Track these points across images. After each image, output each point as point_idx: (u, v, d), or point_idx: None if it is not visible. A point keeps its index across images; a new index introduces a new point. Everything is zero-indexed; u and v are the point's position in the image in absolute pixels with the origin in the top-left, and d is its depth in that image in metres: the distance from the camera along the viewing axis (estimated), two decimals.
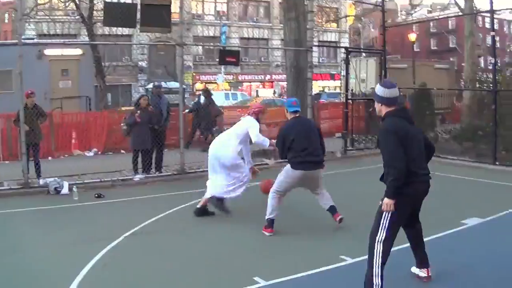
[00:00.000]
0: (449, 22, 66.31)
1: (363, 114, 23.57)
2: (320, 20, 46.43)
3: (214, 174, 10.58)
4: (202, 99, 21.57)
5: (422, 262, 6.83)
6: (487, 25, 51.16)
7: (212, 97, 21.67)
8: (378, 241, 6.17)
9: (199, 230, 9.86)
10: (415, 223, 6.72)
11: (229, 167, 10.41)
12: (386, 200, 6.14)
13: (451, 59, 52.30)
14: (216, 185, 10.49)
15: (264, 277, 7.05)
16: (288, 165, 9.40)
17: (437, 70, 38.08)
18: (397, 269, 6.91)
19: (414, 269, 6.90)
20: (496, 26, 20.02)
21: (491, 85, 18.30)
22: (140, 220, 10.28)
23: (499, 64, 20.38)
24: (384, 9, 21.47)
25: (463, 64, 41.89)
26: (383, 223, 6.21)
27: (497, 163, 16.23)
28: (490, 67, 27.30)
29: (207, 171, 10.38)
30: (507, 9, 18.23)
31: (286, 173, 9.45)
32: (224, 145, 10.48)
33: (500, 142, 16.92)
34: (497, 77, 17.37)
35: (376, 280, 6.07)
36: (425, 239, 6.90)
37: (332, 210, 9.55)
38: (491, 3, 16.27)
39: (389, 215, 6.14)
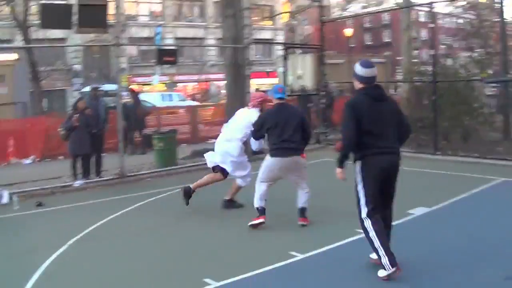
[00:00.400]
0: (383, 17, 67.22)
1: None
2: (255, 18, 46.39)
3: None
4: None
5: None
6: (422, 19, 51.98)
7: (140, 96, 21.58)
8: (364, 218, 6.66)
9: (146, 233, 9.65)
10: (386, 205, 6.88)
11: (236, 164, 10.58)
12: (336, 169, 6.87)
13: (386, 53, 53.08)
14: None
15: (215, 278, 6.91)
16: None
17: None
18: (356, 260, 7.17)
19: (372, 255, 6.91)
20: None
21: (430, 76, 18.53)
22: (83, 226, 9.97)
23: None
24: (321, 3, 21.47)
25: (398, 58, 42.52)
26: (360, 200, 6.74)
27: (438, 153, 16.48)
28: (428, 60, 27.64)
29: (147, 173, 10.22)
30: (444, 0, 18.40)
31: (266, 161, 9.52)
32: (230, 140, 10.56)
33: (440, 132, 17.17)
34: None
35: (384, 260, 6.40)
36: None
37: (301, 212, 9.45)
38: None
39: (362, 189, 6.70)
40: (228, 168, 10.56)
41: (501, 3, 15.87)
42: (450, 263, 7.13)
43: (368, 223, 6.62)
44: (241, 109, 10.99)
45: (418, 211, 9.93)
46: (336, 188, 10.91)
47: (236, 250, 8.39)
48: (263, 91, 22.34)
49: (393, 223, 7.11)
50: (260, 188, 9.51)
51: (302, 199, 9.48)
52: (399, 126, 6.86)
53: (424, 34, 53.68)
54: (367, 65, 6.88)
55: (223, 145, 10.63)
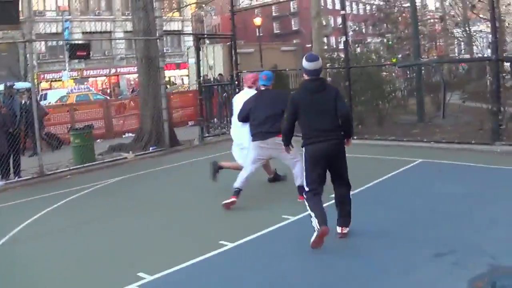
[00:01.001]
0: (291, 5, 67.65)
1: (216, 100, 23.78)
2: (163, 9, 46.04)
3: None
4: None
5: (339, 220, 7.75)
6: (329, 7, 52.71)
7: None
8: (305, 184, 7.60)
9: (75, 230, 9.55)
10: (338, 183, 7.75)
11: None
12: (283, 147, 8.17)
13: (294, 41, 53.46)
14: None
15: (149, 272, 6.94)
16: None
17: (284, 52, 38.89)
18: (286, 244, 7.43)
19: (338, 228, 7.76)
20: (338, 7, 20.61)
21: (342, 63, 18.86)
22: (7, 228, 9.78)
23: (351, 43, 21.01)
24: None
25: (308, 45, 42.88)
26: (303, 166, 7.79)
27: (354, 137, 16.70)
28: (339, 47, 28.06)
29: (66, 171, 10.06)
30: None
31: (250, 146, 9.96)
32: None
33: (356, 117, 17.50)
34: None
35: (314, 223, 7.15)
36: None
37: (299, 190, 9.54)
38: None
39: (305, 172, 7.62)
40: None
41: None
42: (380, 243, 7.40)
43: (306, 198, 7.51)
44: (238, 94, 11.21)
45: None
46: (261, 176, 11.12)
47: (167, 242, 8.40)
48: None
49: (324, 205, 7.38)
50: (247, 170, 9.85)
51: (295, 177, 9.91)
52: (340, 117, 7.45)
53: (333, 21, 54.61)
54: (311, 59, 7.59)
55: (236, 135, 10.86)
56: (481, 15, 21.14)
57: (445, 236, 7.44)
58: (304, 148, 7.59)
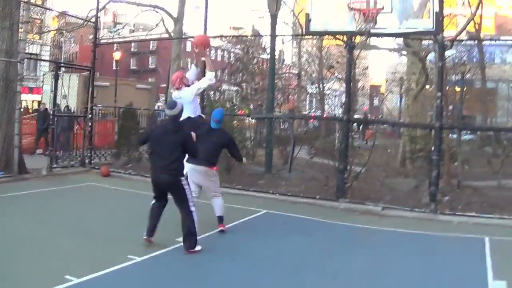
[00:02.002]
0: (150, 43, 67.38)
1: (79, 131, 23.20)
2: (29, 32, 44.68)
3: None
4: None
5: (150, 230, 9.24)
6: (189, 49, 53.00)
7: None
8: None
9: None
10: (162, 202, 9.38)
11: None
12: None
13: (150, 79, 53.50)
14: None
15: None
16: None
17: (139, 90, 38.81)
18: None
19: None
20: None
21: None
22: None
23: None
24: (96, 24, 21.21)
25: (163, 85, 42.99)
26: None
27: None
28: None
29: None
30: (216, 37, 19.06)
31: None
32: None
33: None
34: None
35: None
36: (144, 258, 8.50)
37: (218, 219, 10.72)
38: (205, 30, 17.03)
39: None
40: None
41: (272, 43, 16.74)
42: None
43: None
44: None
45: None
46: (103, 212, 11.02)
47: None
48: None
49: (164, 250, 7.73)
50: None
51: (215, 206, 10.74)
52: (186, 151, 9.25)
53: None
54: (170, 107, 9.35)
55: None
56: (336, 73, 22.04)
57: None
58: None
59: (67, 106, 26.97)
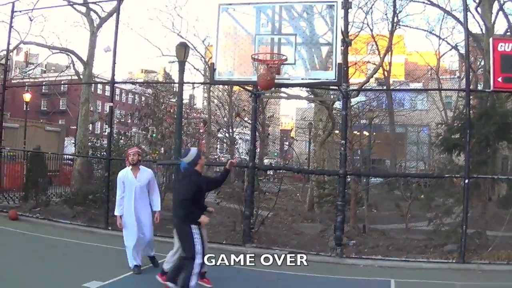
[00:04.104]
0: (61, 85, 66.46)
1: None
2: None
3: None
4: None
5: None
6: (99, 91, 52.77)
7: None
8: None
9: None
10: None
11: None
12: None
13: (60, 121, 52.69)
14: None
15: None
16: None
17: (48, 132, 38.17)
18: None
19: None
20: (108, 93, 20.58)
21: (104, 152, 19.02)
22: None
23: (115, 134, 21.03)
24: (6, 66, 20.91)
25: (73, 127, 42.35)
26: None
27: (109, 227, 16.49)
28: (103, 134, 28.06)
29: None
30: (126, 82, 19.15)
31: None
32: None
33: (112, 207, 17.50)
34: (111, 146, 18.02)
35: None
36: None
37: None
38: (113, 75, 17.06)
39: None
40: None
41: (180, 89, 16.83)
42: None
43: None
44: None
45: (93, 284, 10.12)
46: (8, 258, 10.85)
47: None
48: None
49: None
50: None
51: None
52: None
53: (101, 107, 54.52)
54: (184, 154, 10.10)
55: None
56: (246, 118, 22.30)
57: None
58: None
59: None
